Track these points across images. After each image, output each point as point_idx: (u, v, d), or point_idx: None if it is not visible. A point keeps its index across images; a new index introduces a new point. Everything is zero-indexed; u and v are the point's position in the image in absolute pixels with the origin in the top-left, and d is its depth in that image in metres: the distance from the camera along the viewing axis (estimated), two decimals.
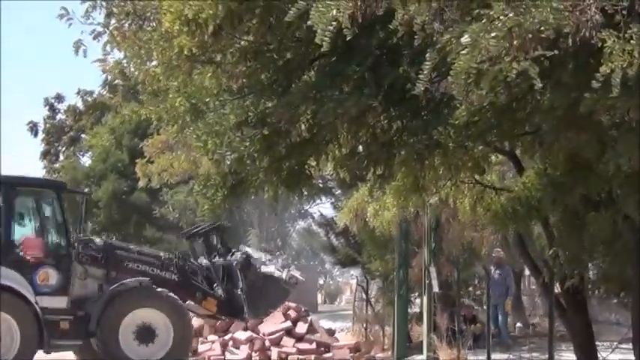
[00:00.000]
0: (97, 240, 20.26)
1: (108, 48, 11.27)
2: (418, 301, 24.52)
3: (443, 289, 19.65)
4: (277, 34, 9.37)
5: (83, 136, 56.49)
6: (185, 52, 10.16)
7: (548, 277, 12.61)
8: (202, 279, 20.70)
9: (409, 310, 22.91)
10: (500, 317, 22.19)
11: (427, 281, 18.53)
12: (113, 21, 11.10)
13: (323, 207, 50.15)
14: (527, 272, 28.66)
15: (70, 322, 18.65)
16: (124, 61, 11.25)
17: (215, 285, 20.59)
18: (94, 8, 11.07)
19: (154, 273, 19.67)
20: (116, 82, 54.95)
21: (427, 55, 7.01)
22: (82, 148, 56.35)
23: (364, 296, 28.64)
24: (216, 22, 9.18)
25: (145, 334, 19.06)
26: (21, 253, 18.55)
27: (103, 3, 11.07)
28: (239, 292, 20.07)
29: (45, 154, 58.69)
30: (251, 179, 9.59)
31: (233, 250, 20.77)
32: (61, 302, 18.71)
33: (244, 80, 9.56)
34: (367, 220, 17.04)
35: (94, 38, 11.27)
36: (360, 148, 9.38)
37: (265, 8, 9.20)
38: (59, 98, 58.99)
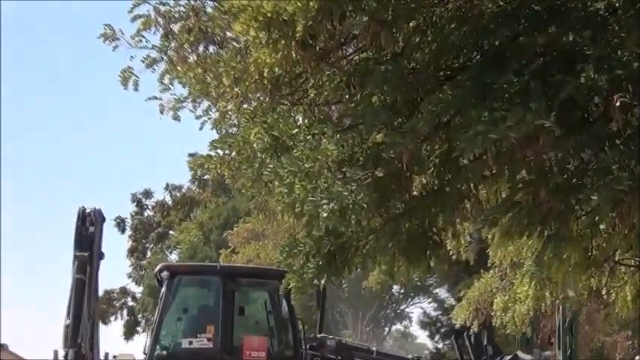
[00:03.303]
0: (330, 339, 17.23)
1: (166, 80, 8.66)
2: None
3: None
4: (396, 38, 6.60)
5: (171, 232, 54.71)
6: (265, 74, 7.49)
7: None
8: None
9: None
10: None
11: None
12: (173, 44, 8.48)
13: (422, 306, 46.47)
14: None
15: None
16: (187, 97, 8.48)
17: None
18: (147, 27, 8.47)
19: None
20: (206, 176, 53.44)
21: None
22: (169, 245, 54.46)
23: None
24: (308, 20, 6.43)
25: None
26: (242, 355, 15.52)
27: (160, 20, 8.46)
28: None
29: (132, 251, 57.00)
30: (357, 244, 6.66)
31: (503, 354, 17.22)
32: None
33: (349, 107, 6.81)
34: (493, 314, 13.88)
35: (147, 66, 8.63)
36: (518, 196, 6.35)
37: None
38: (147, 194, 57.43)
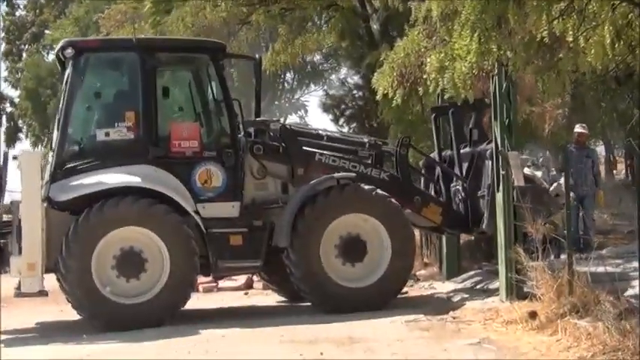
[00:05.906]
0: (273, 122, 14.57)
1: None
2: None
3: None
4: None
5: (47, 32, 51.60)
6: None
7: None
8: (436, 176, 15.36)
9: None
10: (584, 215, 16.41)
11: (503, 172, 12.53)
12: None
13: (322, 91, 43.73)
14: None
15: (243, 237, 13.44)
16: None
17: (453, 185, 14.70)
18: None
19: (357, 169, 14.12)
20: None
21: None
22: (46, 45, 51.43)
23: None
24: None
25: (352, 250, 13.71)
26: (170, 146, 13.39)
27: None
28: (483, 194, 13.88)
29: (7, 54, 54.08)
30: None
31: (489, 139, 14.24)
32: (230, 210, 13.52)
33: None
34: (425, 77, 11.20)
35: None
36: None
37: None
38: None
